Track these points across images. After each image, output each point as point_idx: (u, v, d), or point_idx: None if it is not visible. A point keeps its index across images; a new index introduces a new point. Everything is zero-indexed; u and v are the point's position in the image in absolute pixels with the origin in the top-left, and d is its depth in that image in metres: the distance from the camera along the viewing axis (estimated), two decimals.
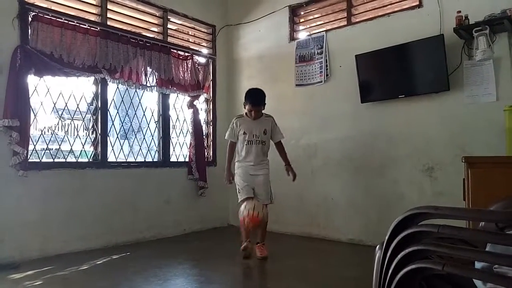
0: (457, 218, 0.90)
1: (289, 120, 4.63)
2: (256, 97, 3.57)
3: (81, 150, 4.03)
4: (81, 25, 3.81)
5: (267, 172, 3.63)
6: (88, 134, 4.08)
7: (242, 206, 3.37)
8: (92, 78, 3.98)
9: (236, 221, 4.02)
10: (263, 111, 3.63)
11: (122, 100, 4.40)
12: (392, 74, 3.82)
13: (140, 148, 4.55)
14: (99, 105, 4.06)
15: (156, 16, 4.63)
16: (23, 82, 3.39)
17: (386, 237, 0.95)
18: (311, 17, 4.78)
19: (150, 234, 4.32)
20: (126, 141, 4.45)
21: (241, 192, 3.56)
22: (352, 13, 4.30)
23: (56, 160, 3.77)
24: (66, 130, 4.04)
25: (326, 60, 4.38)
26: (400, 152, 3.83)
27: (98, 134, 4.04)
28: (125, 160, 4.32)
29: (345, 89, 4.19)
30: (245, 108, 3.62)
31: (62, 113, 3.88)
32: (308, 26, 4.78)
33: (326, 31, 4.43)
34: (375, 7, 4.13)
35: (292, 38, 4.76)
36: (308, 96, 4.54)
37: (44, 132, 3.78)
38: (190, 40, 5.13)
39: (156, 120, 4.72)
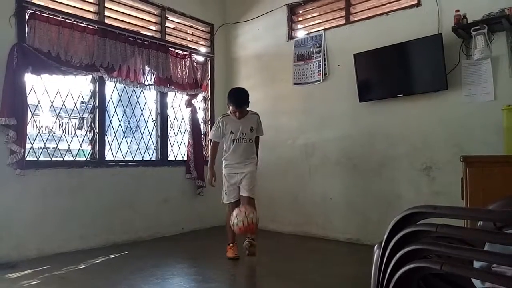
0: (456, 217, 0.90)
1: (287, 119, 4.63)
2: (239, 99, 3.50)
3: (79, 149, 4.02)
4: (78, 24, 3.80)
5: (254, 169, 3.57)
6: (86, 133, 4.06)
7: (233, 217, 3.22)
8: (89, 77, 3.96)
9: None
10: (248, 109, 3.58)
11: (120, 99, 4.39)
12: (390, 73, 3.82)
13: (138, 147, 4.54)
14: (97, 104, 4.05)
15: (154, 14, 4.62)
16: (20, 81, 3.38)
17: (385, 236, 0.95)
18: (310, 16, 4.77)
19: (148, 233, 4.31)
20: (124, 140, 4.44)
21: (227, 194, 3.55)
22: (351, 12, 4.30)
23: (53, 159, 3.76)
24: (63, 128, 4.04)
25: (324, 59, 4.37)
26: (398, 151, 3.83)
27: (96, 133, 4.02)
28: (123, 159, 4.31)
29: (343, 88, 4.18)
30: (228, 108, 3.58)
31: (59, 111, 3.87)
32: (306, 25, 4.77)
33: (325, 30, 4.43)
34: (373, 6, 4.13)
35: (290, 36, 4.76)
36: (306, 95, 4.53)
37: (42, 131, 3.77)
38: (188, 39, 5.12)
39: (154, 119, 4.70)
